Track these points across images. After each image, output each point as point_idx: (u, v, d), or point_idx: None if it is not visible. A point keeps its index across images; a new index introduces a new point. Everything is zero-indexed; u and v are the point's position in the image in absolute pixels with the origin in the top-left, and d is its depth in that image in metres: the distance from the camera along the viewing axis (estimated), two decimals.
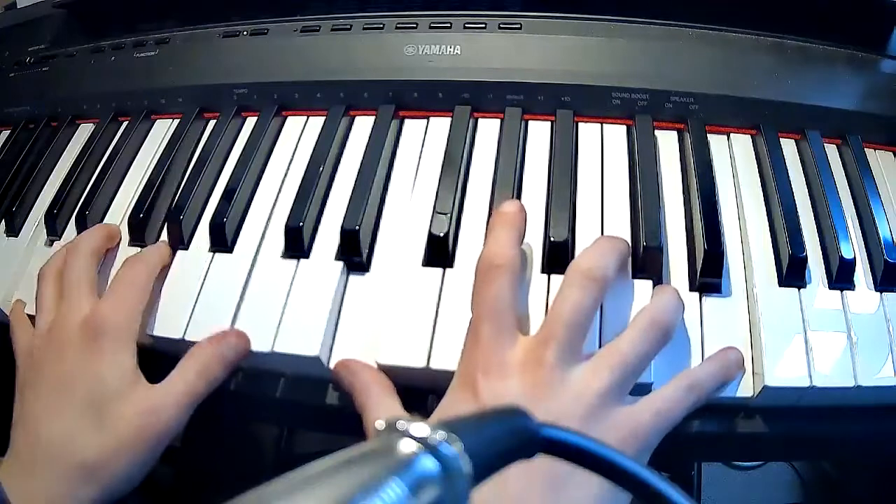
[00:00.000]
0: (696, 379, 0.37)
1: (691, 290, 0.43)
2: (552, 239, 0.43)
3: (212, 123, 0.56)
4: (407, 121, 0.54)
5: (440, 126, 0.52)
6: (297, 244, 0.46)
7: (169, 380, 0.40)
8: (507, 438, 0.22)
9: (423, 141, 0.52)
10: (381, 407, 0.38)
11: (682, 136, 0.51)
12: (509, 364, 0.36)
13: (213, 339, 0.41)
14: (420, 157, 0.51)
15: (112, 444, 0.37)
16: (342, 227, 0.45)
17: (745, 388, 0.39)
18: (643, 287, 0.42)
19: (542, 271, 0.43)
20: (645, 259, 0.43)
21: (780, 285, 0.43)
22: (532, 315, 0.41)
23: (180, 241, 0.48)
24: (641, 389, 0.39)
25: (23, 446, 0.39)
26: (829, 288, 0.43)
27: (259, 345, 0.42)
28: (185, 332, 0.43)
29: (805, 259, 0.42)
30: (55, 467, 0.37)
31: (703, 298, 0.42)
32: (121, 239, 0.49)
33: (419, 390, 0.42)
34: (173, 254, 0.47)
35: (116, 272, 0.44)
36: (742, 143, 0.51)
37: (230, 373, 0.41)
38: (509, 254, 0.38)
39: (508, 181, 0.47)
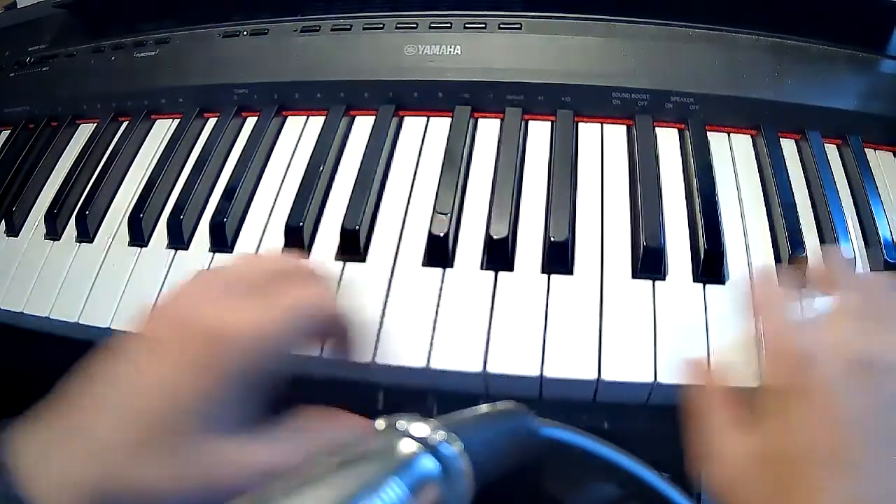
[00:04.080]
0: None
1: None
2: (552, 239, 0.43)
3: (212, 123, 0.56)
4: (407, 121, 0.54)
5: (440, 126, 0.52)
6: (296, 244, 0.46)
7: None
8: (507, 438, 0.22)
9: (423, 141, 0.52)
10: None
11: (682, 136, 0.51)
12: None
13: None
14: (420, 157, 0.51)
15: None
16: (342, 227, 0.45)
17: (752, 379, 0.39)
18: (644, 287, 0.42)
19: (542, 271, 0.43)
20: (645, 259, 0.43)
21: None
22: (531, 314, 0.41)
23: (180, 242, 0.48)
24: (641, 389, 0.39)
25: None
26: None
27: None
28: None
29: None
30: None
31: (706, 298, 0.42)
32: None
33: (419, 390, 0.42)
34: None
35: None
36: (742, 143, 0.51)
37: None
38: None
39: (508, 181, 0.47)
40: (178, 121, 0.57)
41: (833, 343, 0.31)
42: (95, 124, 0.58)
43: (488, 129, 0.52)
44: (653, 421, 0.41)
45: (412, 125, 0.53)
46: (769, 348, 0.33)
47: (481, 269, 0.44)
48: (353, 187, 0.48)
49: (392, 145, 0.52)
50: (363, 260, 0.45)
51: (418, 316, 0.42)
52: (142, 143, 0.57)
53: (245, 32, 0.58)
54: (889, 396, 0.29)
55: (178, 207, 0.49)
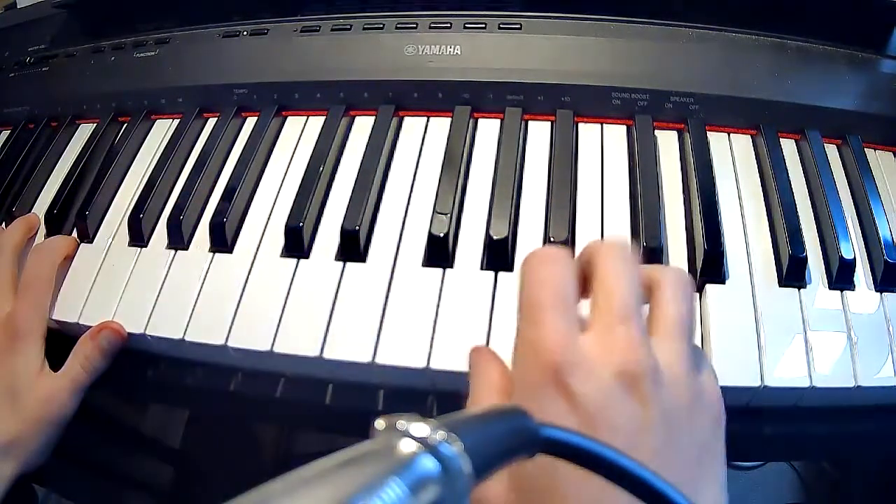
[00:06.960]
0: None
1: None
2: (552, 239, 0.43)
3: (212, 123, 0.56)
4: (407, 121, 0.54)
5: (440, 126, 0.52)
6: (296, 244, 0.46)
7: (62, 371, 0.45)
8: (508, 438, 0.22)
9: (423, 141, 0.52)
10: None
11: (682, 136, 0.51)
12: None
13: (91, 332, 0.45)
14: (420, 157, 0.51)
15: (23, 426, 0.43)
16: (342, 228, 0.45)
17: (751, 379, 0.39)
18: None
19: None
20: (645, 260, 0.43)
21: (780, 285, 0.43)
22: None
23: (180, 242, 0.48)
24: None
25: None
26: (829, 288, 0.43)
27: (259, 345, 0.42)
28: (185, 333, 0.43)
29: (805, 259, 0.42)
30: None
31: (706, 298, 0.42)
32: (39, 225, 0.52)
33: (419, 390, 0.42)
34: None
35: (24, 267, 0.47)
36: (742, 143, 0.51)
37: (112, 359, 0.45)
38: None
39: (508, 181, 0.47)
40: (178, 121, 0.56)
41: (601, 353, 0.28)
42: (95, 124, 0.58)
43: (488, 129, 0.52)
44: None
45: (412, 125, 0.53)
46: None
47: (481, 269, 0.44)
48: (353, 187, 0.48)
49: (392, 145, 0.52)
50: (363, 260, 0.45)
51: (418, 316, 0.42)
52: (142, 143, 0.57)
53: (245, 32, 0.58)
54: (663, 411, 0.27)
55: (178, 207, 0.49)
